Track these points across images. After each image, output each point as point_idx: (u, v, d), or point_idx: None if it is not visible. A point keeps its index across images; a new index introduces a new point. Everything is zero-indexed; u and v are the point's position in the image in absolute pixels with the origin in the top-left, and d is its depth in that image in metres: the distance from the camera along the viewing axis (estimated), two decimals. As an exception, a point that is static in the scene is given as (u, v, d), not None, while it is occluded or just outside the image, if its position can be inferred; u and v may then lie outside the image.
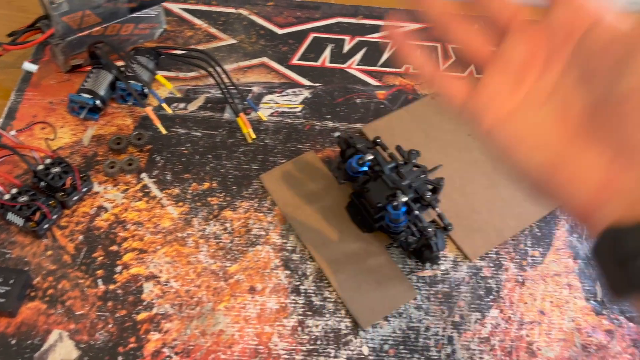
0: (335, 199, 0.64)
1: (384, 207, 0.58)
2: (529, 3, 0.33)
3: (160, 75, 0.69)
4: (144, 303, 0.55)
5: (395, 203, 0.55)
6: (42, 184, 0.60)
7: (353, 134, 0.70)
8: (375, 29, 0.82)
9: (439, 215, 0.60)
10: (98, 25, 0.70)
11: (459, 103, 0.32)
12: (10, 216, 0.57)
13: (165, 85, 0.67)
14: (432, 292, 0.58)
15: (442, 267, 0.60)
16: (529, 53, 0.30)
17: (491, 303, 0.58)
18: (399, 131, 0.70)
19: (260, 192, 0.64)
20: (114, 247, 0.59)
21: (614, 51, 0.27)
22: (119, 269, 0.57)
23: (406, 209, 0.57)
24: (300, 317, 0.56)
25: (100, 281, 0.56)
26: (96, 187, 0.63)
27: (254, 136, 0.69)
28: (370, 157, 0.60)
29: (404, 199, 0.56)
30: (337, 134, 0.70)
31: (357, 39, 0.81)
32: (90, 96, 0.66)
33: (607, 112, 0.27)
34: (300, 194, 0.64)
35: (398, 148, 0.64)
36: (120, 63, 0.70)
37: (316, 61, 0.78)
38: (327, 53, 0.79)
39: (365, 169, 0.61)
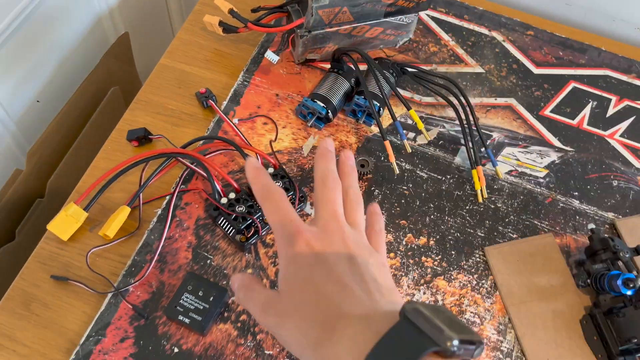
0: (569, 304, 0.53)
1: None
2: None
3: (413, 110, 0.60)
4: (336, 364, 0.50)
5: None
6: (259, 194, 0.55)
7: (611, 232, 0.58)
8: (651, 95, 0.68)
9: None
10: (348, 24, 0.63)
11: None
12: (223, 222, 0.53)
13: (417, 123, 0.58)
14: None
15: None
16: None
17: None
18: (662, 239, 0.57)
19: (481, 267, 0.55)
20: (315, 286, 0.53)
21: None
22: (315, 313, 0.52)
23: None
24: None
25: (294, 321, 0.51)
26: (307, 208, 0.57)
27: (485, 195, 0.59)
28: (642, 282, 0.48)
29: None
30: (591, 226, 0.58)
31: (626, 102, 0.67)
32: (323, 105, 0.60)
33: None
34: (528, 285, 0.54)
35: (667, 269, 0.52)
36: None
37: (572, 118, 0.66)
38: (586, 111, 0.66)
39: (630, 293, 0.49)
